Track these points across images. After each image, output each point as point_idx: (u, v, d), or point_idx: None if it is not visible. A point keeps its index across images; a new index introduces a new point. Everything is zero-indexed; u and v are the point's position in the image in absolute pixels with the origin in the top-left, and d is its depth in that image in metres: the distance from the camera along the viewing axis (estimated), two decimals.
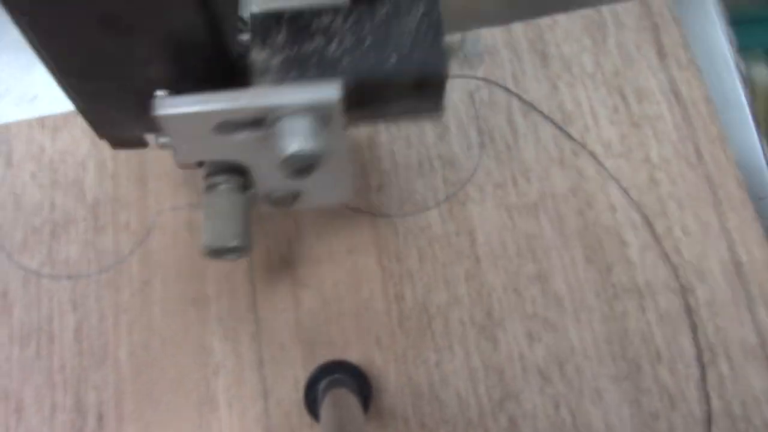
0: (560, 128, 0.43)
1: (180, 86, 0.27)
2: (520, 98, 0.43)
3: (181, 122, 0.27)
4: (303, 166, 0.26)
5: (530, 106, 0.43)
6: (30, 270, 0.41)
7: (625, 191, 0.41)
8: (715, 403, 0.37)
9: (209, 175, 0.32)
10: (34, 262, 0.41)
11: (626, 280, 0.39)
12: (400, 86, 0.28)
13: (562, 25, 0.45)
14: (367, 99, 0.29)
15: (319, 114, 0.26)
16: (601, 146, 0.42)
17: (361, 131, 0.43)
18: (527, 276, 0.40)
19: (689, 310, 0.39)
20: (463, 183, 0.42)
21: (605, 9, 0.46)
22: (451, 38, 0.30)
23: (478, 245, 0.40)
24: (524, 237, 0.40)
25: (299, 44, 0.28)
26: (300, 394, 0.37)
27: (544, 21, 0.46)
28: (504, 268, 0.40)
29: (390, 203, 0.42)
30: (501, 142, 0.43)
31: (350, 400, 0.34)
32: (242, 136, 0.28)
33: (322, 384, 0.37)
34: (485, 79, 0.44)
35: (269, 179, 0.32)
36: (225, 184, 0.31)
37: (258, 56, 0.28)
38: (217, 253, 0.31)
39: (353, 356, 0.38)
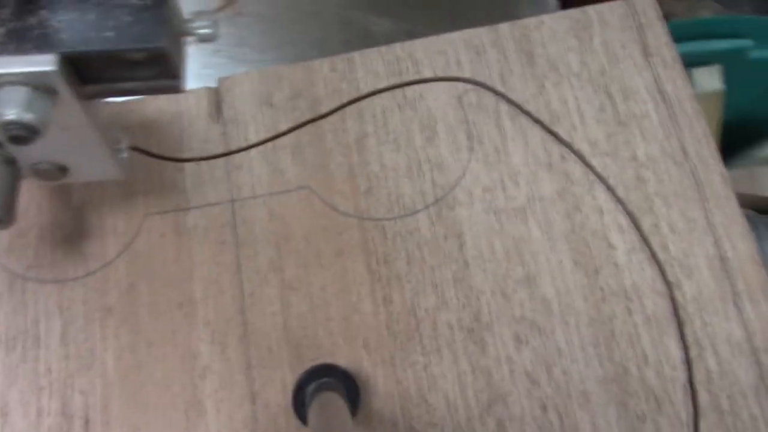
0: (549, 131, 0.43)
1: None
2: (507, 99, 0.43)
3: None
4: (22, 134, 0.28)
5: (517, 107, 0.43)
6: (16, 273, 0.40)
7: (612, 189, 0.41)
8: (703, 398, 0.37)
9: None
10: (20, 266, 0.41)
11: (613, 282, 0.40)
12: (123, 60, 0.30)
13: (547, 25, 0.46)
14: (96, 73, 0.30)
15: (39, 85, 0.28)
16: (587, 145, 0.42)
17: (349, 135, 0.43)
18: (515, 279, 0.40)
19: (676, 307, 0.39)
20: (452, 186, 0.42)
21: (591, 9, 0.46)
22: (181, 17, 0.31)
23: (467, 248, 0.41)
24: (512, 240, 0.41)
25: (24, 18, 0.29)
26: (288, 397, 0.37)
27: (530, 21, 0.46)
28: (492, 271, 0.40)
29: (378, 206, 0.42)
30: (490, 146, 0.43)
31: (338, 404, 0.34)
32: None
33: (311, 387, 0.37)
34: (472, 81, 0.44)
35: (24, 151, 0.34)
36: None
37: None
38: None
39: (341, 360, 0.38)
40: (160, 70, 0.30)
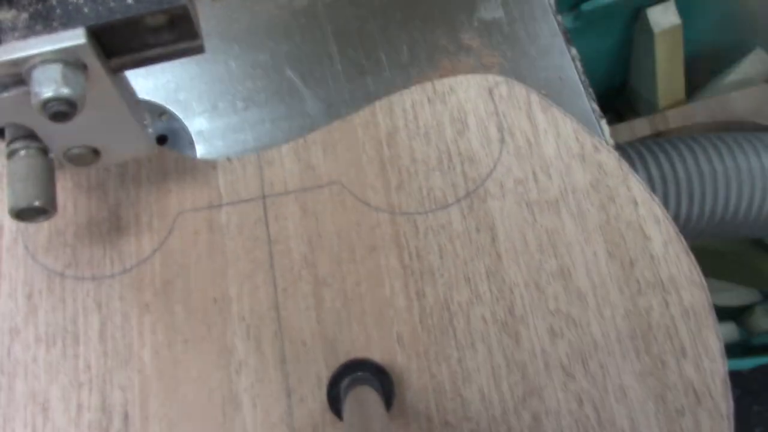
0: (581, 123, 0.42)
1: None
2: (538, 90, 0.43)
3: None
4: (63, 109, 0.28)
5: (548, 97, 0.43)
6: (54, 271, 0.41)
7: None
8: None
9: (9, 142, 0.33)
10: (58, 264, 0.41)
11: (649, 274, 0.39)
12: (145, 27, 0.30)
13: None
14: (120, 44, 0.31)
15: (70, 60, 0.29)
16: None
17: (380, 130, 0.43)
18: (549, 272, 0.39)
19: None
20: (483, 179, 0.42)
21: None
22: None
23: (499, 241, 0.40)
24: (545, 233, 0.40)
25: None
26: (323, 392, 0.38)
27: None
28: (525, 264, 0.40)
29: (410, 201, 0.41)
30: (521, 138, 0.42)
31: (373, 398, 0.34)
32: (11, 95, 0.30)
33: (345, 382, 0.37)
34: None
35: (57, 137, 0.34)
36: (25, 150, 0.33)
37: (4, 16, 0.29)
38: (23, 214, 0.33)
39: (375, 354, 0.38)
40: (181, 32, 0.31)
